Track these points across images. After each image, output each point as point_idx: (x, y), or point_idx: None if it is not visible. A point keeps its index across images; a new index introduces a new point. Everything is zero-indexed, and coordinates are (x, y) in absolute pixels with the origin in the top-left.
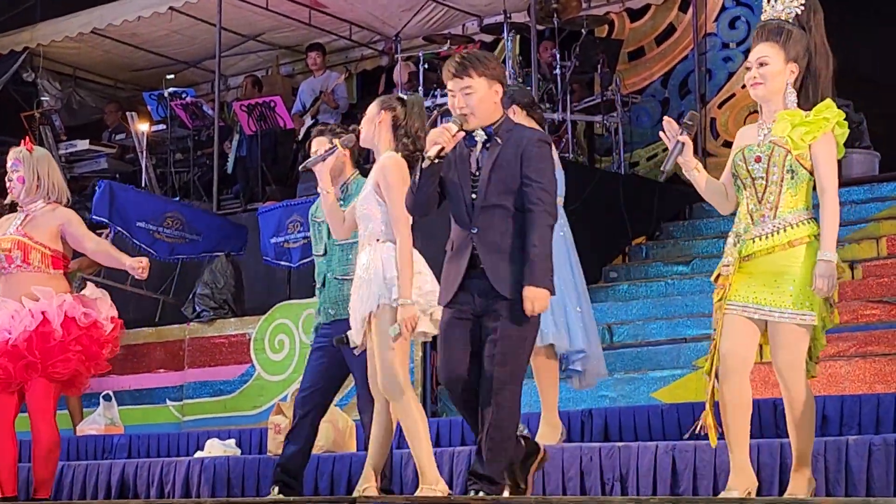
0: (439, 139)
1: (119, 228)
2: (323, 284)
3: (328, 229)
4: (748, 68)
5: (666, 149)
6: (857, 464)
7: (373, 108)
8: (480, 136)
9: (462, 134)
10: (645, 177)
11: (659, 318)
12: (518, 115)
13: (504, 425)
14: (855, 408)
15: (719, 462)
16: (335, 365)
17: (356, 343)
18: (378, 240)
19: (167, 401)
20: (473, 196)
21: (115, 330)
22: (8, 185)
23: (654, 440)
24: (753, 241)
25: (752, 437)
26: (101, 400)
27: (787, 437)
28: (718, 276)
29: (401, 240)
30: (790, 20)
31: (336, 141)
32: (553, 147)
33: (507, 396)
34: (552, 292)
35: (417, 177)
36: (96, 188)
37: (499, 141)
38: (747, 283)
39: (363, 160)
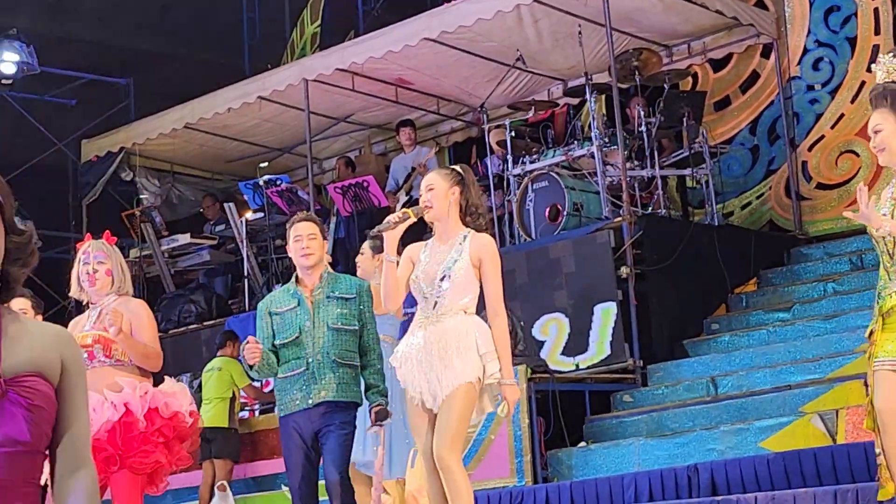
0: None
1: None
2: (306, 368)
3: (298, 315)
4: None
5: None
6: None
7: (441, 182)
8: None
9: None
10: (740, 226)
11: (763, 367)
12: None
13: None
14: None
15: None
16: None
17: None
18: (466, 311)
19: (282, 486)
20: None
21: (195, 424)
22: (88, 276)
23: (762, 490)
24: (891, 297)
25: None
26: (216, 491)
27: None
28: (871, 332)
29: (502, 319)
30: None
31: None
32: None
33: None
34: None
35: None
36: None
37: None
38: (890, 337)
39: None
